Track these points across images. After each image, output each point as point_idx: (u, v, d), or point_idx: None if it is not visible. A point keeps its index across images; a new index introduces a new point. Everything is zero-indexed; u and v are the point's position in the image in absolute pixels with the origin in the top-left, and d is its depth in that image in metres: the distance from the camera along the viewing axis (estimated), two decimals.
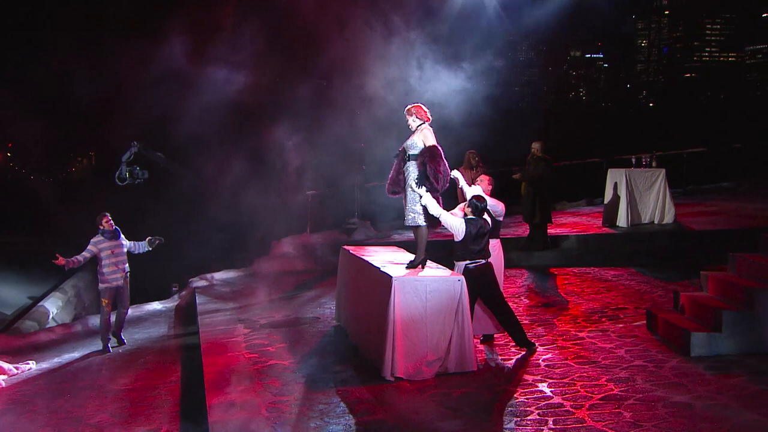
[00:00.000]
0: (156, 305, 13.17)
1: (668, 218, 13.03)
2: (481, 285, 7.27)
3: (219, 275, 14.53)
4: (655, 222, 13.05)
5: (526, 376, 6.60)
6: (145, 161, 11.40)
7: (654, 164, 13.29)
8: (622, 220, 12.93)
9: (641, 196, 13.08)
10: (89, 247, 9.62)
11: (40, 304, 15.17)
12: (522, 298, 9.93)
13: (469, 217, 7.33)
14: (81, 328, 11.61)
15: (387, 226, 16.43)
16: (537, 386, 6.29)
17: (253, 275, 14.45)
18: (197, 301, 11.93)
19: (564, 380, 6.37)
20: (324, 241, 15.46)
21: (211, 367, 7.64)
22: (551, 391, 6.12)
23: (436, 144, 7.28)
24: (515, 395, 6.12)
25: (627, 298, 9.37)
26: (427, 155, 7.19)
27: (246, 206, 15.48)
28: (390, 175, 7.51)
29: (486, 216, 7.46)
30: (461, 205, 7.86)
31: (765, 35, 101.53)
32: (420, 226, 7.35)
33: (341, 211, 16.58)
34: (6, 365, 8.92)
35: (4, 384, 8.42)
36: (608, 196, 13.33)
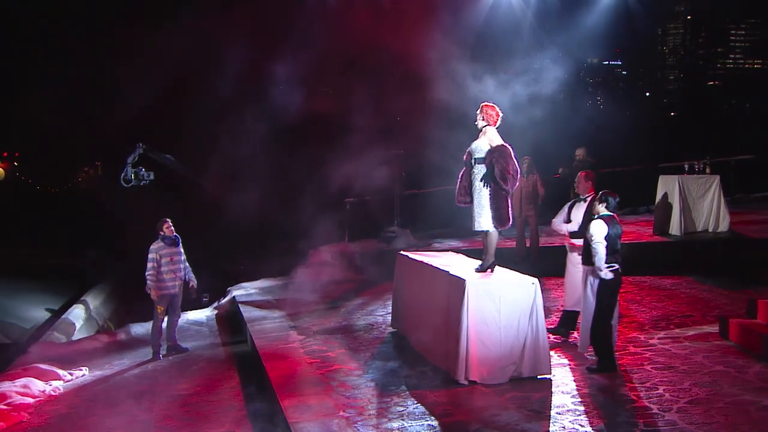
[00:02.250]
0: (196, 314, 13.40)
1: (723, 226, 13.12)
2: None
3: (257, 284, 14.76)
4: (710, 230, 13.13)
5: (604, 381, 6.75)
6: (152, 163, 11.68)
7: (707, 171, 13.38)
8: (674, 228, 13.03)
9: (695, 203, 13.16)
10: (150, 255, 9.86)
11: (64, 316, 15.48)
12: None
13: (603, 214, 7.19)
14: (125, 337, 11.85)
15: (426, 235, 16.59)
16: (618, 390, 6.43)
17: (291, 284, 14.65)
18: (241, 310, 12.14)
19: (645, 384, 6.51)
20: (363, 250, 15.64)
21: (276, 372, 7.83)
22: (634, 395, 6.25)
23: (505, 143, 7.44)
24: (599, 398, 6.26)
25: (691, 306, 9.48)
26: (496, 154, 7.36)
27: (280, 214, 15.78)
28: (458, 184, 7.67)
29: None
30: (566, 206, 8.03)
31: None
32: (489, 230, 7.51)
33: (380, 219, 16.76)
34: (60, 371, 9.18)
35: (62, 389, 8.67)
36: (659, 203, 13.43)
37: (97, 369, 9.74)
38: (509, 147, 7.43)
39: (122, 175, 11.18)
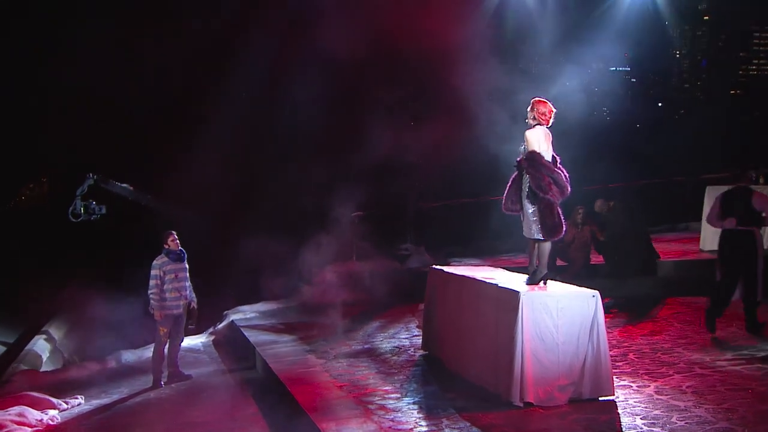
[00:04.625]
0: (190, 341, 13.45)
1: None
2: None
3: (256, 307, 14.85)
4: (765, 246, 13.33)
5: (675, 402, 6.91)
6: (104, 195, 11.71)
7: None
8: None
9: None
10: (153, 271, 9.94)
11: (28, 348, 15.46)
12: (630, 326, 10.26)
13: None
14: (116, 364, 11.94)
15: (443, 253, 16.77)
16: (693, 411, 6.61)
17: (295, 307, 14.77)
18: (246, 334, 12.24)
19: (722, 406, 6.69)
20: (373, 270, 15.75)
21: (304, 396, 7.95)
22: (713, 417, 6.43)
23: (537, 150, 7.53)
24: (673, 419, 6.43)
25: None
26: (527, 163, 7.54)
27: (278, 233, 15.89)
28: (507, 189, 7.82)
29: None
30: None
31: None
32: (540, 239, 7.69)
33: (392, 236, 16.95)
34: (55, 400, 9.25)
35: (60, 419, 8.74)
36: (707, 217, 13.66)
37: (94, 398, 9.81)
38: (541, 154, 7.49)
39: (70, 209, 11.17)
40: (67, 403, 9.31)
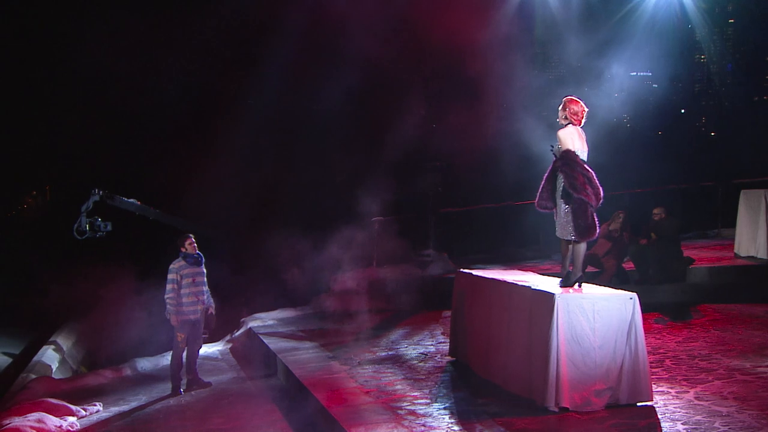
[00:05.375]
0: (208, 349, 13.54)
1: None
2: None
3: (274, 314, 14.93)
4: None
5: (716, 407, 6.92)
6: (111, 210, 11.74)
7: None
8: (761, 249, 13.22)
9: None
10: (170, 275, 10.01)
11: (36, 358, 15.59)
12: (665, 333, 10.25)
13: None
14: (131, 372, 12.02)
15: (466, 260, 16.78)
16: (736, 416, 6.61)
17: (314, 315, 14.82)
18: (266, 341, 12.30)
19: (767, 411, 6.68)
20: (395, 276, 15.79)
21: (331, 402, 8.00)
22: (757, 422, 6.43)
23: (569, 147, 7.62)
24: (716, 425, 6.43)
25: None
26: (561, 162, 7.59)
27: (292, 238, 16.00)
28: (541, 185, 7.86)
29: None
30: None
31: None
32: (575, 241, 7.71)
33: (413, 241, 16.96)
34: (73, 407, 9.34)
35: (79, 425, 8.83)
36: (742, 222, 13.69)
37: (112, 405, 9.90)
38: (574, 152, 7.58)
39: (75, 226, 11.22)
40: (85, 409, 9.41)
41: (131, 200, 11.83)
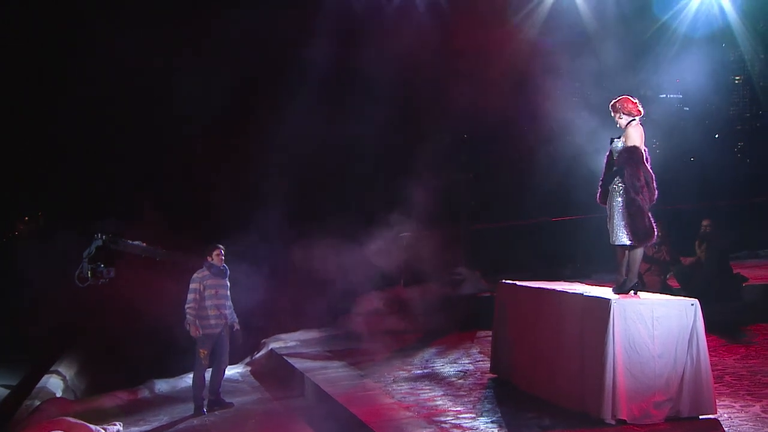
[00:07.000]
0: (227, 372, 13.60)
1: None
2: None
3: (296, 335, 14.99)
4: None
5: None
6: (114, 255, 11.83)
7: None
8: None
9: None
10: (192, 285, 10.06)
11: (40, 385, 15.69)
12: (721, 350, 10.25)
13: None
14: (149, 394, 12.08)
15: (499, 278, 16.76)
16: None
17: (338, 336, 14.86)
18: (290, 362, 12.36)
19: None
20: (423, 296, 15.81)
21: (370, 417, 8.03)
22: None
23: (638, 145, 7.70)
24: None
25: None
26: (624, 157, 7.63)
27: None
28: (600, 186, 7.93)
29: None
30: None
31: None
32: (628, 246, 7.74)
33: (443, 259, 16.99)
34: (93, 426, 9.38)
35: None
36: None
37: (132, 425, 9.96)
38: (642, 150, 7.65)
39: (77, 272, 11.32)
40: (105, 429, 9.44)
41: (136, 242, 11.93)
